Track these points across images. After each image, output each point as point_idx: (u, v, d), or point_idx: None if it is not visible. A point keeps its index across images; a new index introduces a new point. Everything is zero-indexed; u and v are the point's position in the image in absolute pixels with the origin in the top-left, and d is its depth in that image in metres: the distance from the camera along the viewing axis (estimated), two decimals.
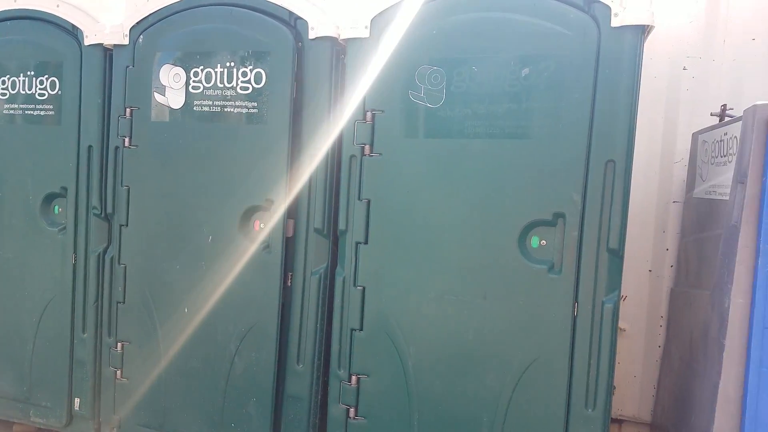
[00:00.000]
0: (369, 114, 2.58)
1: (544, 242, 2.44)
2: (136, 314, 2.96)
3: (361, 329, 2.63)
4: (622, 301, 3.54)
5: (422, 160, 2.53)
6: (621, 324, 3.52)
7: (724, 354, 2.15)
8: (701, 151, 2.79)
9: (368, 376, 2.63)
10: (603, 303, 2.36)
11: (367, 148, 2.59)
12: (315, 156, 2.68)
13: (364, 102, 2.57)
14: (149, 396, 2.96)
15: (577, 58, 2.30)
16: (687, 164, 3.17)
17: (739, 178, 2.16)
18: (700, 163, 2.80)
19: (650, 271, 3.42)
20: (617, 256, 2.36)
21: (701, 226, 2.71)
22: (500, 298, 2.46)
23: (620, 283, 2.41)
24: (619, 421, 3.60)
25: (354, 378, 2.65)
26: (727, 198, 2.31)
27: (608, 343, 2.37)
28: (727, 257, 2.21)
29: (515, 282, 2.44)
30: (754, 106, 2.12)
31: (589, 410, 2.39)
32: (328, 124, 2.66)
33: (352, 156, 2.62)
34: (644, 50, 3.33)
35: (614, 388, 3.59)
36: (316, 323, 2.72)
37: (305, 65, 2.69)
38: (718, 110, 3.03)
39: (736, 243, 2.12)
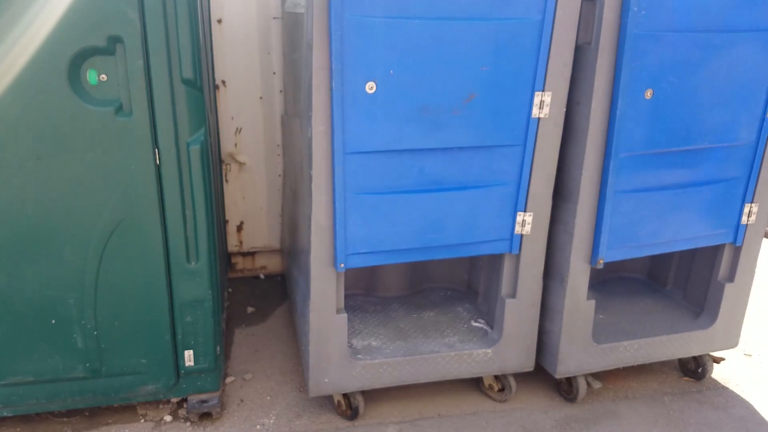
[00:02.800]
0: None
1: (104, 77, 1.93)
2: None
3: None
4: (237, 133, 3.34)
5: None
6: (240, 157, 3.35)
7: (313, 185, 2.09)
8: None
9: None
10: (188, 145, 2.05)
11: None
12: None
13: None
14: None
15: None
16: None
17: None
18: None
19: (261, 98, 3.23)
20: (195, 87, 2.02)
21: (293, 45, 2.51)
22: (61, 155, 1.97)
23: (204, 120, 2.11)
24: (252, 254, 3.63)
25: None
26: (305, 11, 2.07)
27: (201, 188, 2.13)
28: (307, 81, 2.05)
29: (76, 132, 1.96)
30: None
31: (192, 263, 2.19)
32: None
33: None
34: None
35: (242, 223, 3.56)
36: None
37: None
38: None
39: (312, 64, 1.95)
